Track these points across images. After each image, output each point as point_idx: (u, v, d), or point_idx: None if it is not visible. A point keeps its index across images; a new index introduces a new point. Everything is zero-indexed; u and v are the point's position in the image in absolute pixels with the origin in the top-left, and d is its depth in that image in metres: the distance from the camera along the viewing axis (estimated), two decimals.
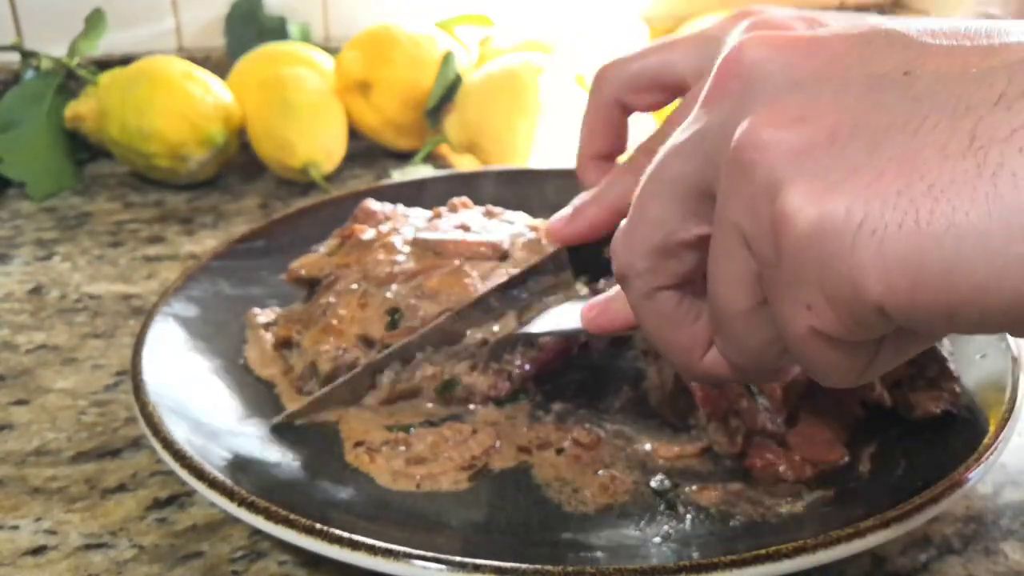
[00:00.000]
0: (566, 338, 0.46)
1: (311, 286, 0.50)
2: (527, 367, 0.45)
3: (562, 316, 0.43)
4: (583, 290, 0.46)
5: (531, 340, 0.45)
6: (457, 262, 0.47)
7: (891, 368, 0.27)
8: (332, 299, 0.47)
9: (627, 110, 0.44)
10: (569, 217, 0.44)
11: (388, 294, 0.46)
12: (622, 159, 0.45)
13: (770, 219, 0.24)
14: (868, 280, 0.22)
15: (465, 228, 0.50)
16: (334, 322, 0.46)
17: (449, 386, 0.45)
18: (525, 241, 0.49)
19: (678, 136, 0.28)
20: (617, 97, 0.43)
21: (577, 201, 0.44)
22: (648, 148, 0.41)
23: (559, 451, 0.41)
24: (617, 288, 0.36)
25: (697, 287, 0.30)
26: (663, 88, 0.43)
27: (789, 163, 0.23)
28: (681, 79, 0.42)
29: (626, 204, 0.42)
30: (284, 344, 0.48)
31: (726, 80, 0.26)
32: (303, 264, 0.50)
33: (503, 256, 0.48)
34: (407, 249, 0.48)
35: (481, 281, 0.46)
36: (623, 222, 0.30)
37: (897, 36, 0.24)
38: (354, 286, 0.47)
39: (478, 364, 0.45)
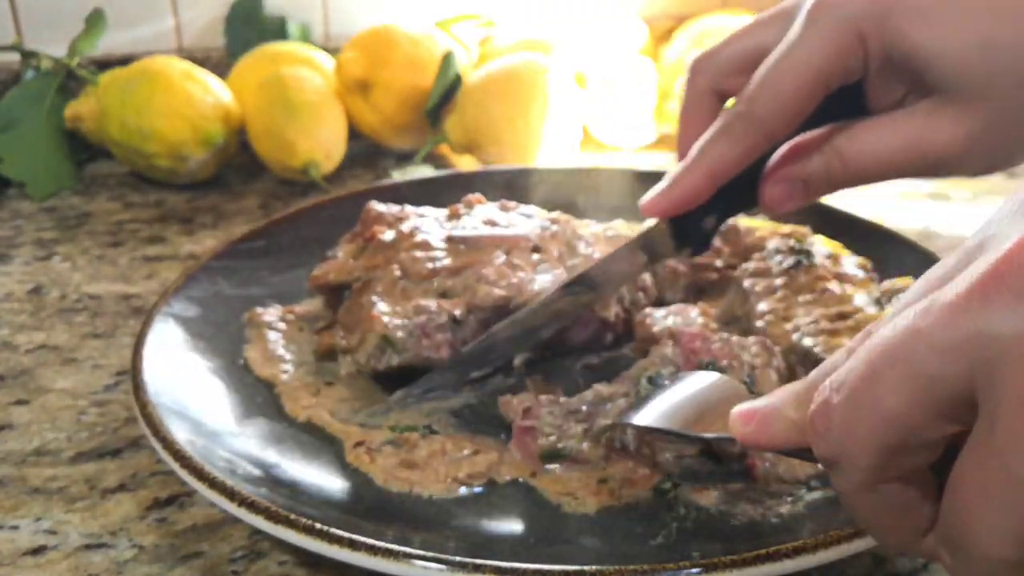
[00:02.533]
0: None
1: (335, 291, 0.50)
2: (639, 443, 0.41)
3: (693, 407, 0.36)
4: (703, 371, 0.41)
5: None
6: (501, 255, 0.48)
7: None
8: (375, 299, 0.46)
9: (723, 97, 0.44)
10: (666, 188, 0.42)
11: (434, 284, 0.46)
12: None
13: None
14: None
15: (492, 223, 0.51)
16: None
17: (558, 454, 0.41)
18: (552, 233, 0.50)
19: (938, 327, 0.22)
20: (712, 86, 0.43)
21: (672, 172, 0.43)
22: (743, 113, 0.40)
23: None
24: (778, 398, 0.29)
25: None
26: (756, 69, 0.41)
27: None
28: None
29: (721, 168, 0.40)
30: (328, 352, 0.48)
31: (1013, 272, 0.21)
32: (329, 269, 0.50)
33: (535, 248, 0.49)
34: (443, 246, 0.49)
35: (533, 271, 0.47)
36: (834, 396, 0.25)
37: None
38: (400, 285, 0.47)
39: (590, 431, 0.41)
